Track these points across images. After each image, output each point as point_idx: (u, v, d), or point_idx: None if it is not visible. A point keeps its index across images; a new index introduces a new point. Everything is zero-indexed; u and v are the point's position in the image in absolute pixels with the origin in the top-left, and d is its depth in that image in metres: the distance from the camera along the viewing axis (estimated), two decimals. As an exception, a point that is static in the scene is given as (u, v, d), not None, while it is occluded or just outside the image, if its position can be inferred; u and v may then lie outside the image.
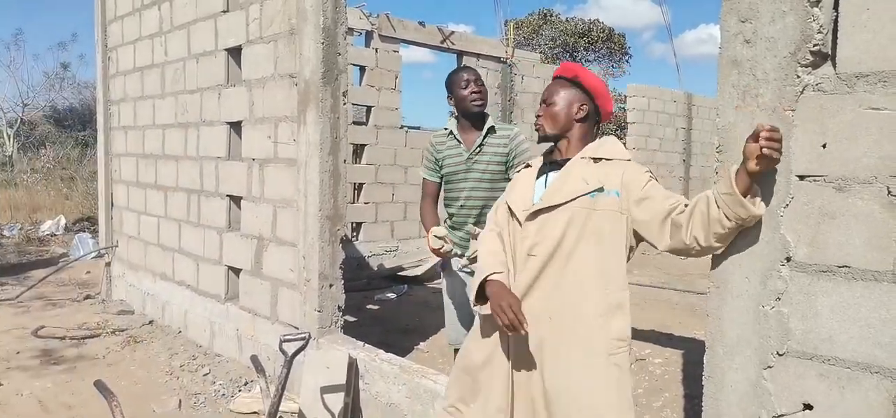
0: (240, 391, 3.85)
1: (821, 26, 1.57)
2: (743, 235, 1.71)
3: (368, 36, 9.01)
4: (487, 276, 1.93)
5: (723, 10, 1.74)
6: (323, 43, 3.53)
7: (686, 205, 1.74)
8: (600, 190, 1.85)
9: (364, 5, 8.82)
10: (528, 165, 2.14)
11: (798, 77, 1.62)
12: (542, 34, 24.18)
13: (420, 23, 9.85)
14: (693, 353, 4.38)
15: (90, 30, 6.33)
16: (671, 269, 8.47)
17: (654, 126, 12.51)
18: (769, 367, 1.68)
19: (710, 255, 1.78)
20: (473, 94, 2.95)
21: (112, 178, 6.21)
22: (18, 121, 20.28)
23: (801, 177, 1.62)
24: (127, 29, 5.73)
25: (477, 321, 2.08)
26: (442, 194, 3.16)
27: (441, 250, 2.90)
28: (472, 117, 3.00)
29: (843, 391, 1.57)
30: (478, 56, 10.57)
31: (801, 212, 1.62)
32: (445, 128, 3.10)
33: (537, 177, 2.03)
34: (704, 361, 1.82)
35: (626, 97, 13.59)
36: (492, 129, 2.98)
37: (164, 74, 5.16)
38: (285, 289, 3.90)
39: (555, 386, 1.86)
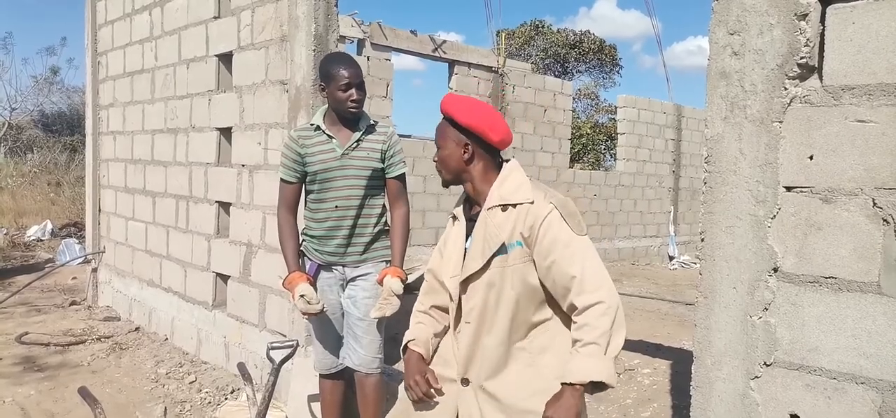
0: (226, 399, 3.81)
1: (808, 39, 1.59)
2: (731, 246, 1.72)
3: (360, 44, 9.03)
4: (407, 342, 1.93)
5: (712, 23, 1.75)
6: (314, 50, 3.52)
7: (580, 308, 1.69)
8: (505, 247, 1.77)
9: (356, 13, 8.84)
10: (453, 217, 1.98)
11: (785, 89, 1.63)
12: (533, 45, 24.32)
13: (412, 31, 9.88)
14: (682, 364, 4.39)
15: (80, 34, 6.30)
16: (660, 280, 8.51)
17: (644, 137, 12.60)
18: (756, 377, 1.69)
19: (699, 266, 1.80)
20: (352, 103, 2.64)
21: (100, 184, 6.16)
22: (6, 125, 20.08)
23: (789, 189, 1.63)
24: (117, 34, 5.70)
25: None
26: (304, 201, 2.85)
27: (309, 311, 2.69)
28: (345, 120, 2.73)
29: (830, 401, 1.58)
30: (469, 65, 10.61)
31: (788, 223, 1.64)
32: (310, 124, 2.78)
33: (466, 236, 1.91)
34: (692, 371, 1.82)
35: (616, 108, 13.69)
36: (371, 127, 2.75)
37: (154, 80, 5.14)
38: (274, 296, 3.88)
39: None
